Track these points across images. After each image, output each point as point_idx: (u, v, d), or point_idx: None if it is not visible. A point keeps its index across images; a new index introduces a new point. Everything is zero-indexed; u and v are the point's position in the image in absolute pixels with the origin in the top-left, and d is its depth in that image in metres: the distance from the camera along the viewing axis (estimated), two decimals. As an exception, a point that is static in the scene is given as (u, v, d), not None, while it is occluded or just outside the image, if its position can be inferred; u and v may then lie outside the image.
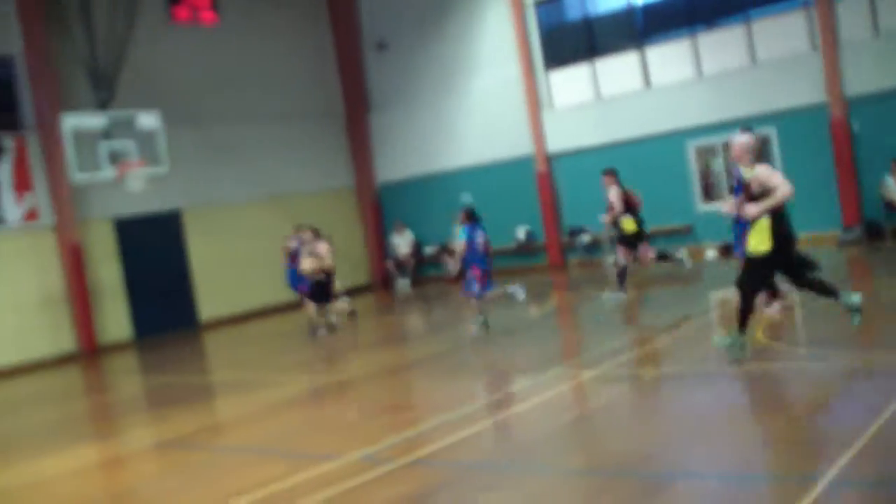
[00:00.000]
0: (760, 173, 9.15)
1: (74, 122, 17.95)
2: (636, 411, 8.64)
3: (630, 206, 15.72)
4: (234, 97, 24.22)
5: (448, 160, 25.15)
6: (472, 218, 14.32)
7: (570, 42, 23.30)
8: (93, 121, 18.34)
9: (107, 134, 18.43)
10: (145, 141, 18.75)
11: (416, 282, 25.04)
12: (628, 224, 15.67)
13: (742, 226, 10.03)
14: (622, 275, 15.57)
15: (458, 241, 14.41)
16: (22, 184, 20.21)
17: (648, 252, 16.30)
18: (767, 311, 11.45)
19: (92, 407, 14.40)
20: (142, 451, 9.96)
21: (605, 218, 15.97)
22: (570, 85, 23.10)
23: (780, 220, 9.07)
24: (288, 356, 15.60)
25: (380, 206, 26.92)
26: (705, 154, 21.04)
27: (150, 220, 22.11)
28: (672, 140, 21.23)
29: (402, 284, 24.89)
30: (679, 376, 9.46)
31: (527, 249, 23.82)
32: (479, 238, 14.20)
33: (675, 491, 6.20)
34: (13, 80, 20.62)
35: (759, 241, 9.09)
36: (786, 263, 9.35)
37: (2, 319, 19.51)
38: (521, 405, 9.02)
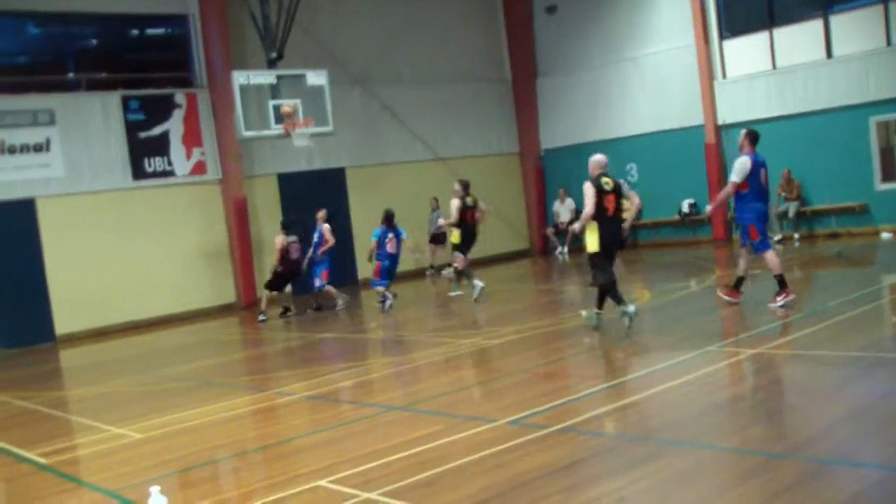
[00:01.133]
0: None
1: (244, 79, 18.46)
2: (800, 393, 8.29)
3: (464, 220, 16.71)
4: (402, 59, 24.45)
5: (614, 128, 24.76)
6: (388, 220, 17.09)
7: (749, 9, 22.49)
8: (262, 78, 18.83)
9: (275, 92, 18.90)
10: (312, 99, 19.14)
11: (574, 250, 24.79)
12: (455, 237, 16.91)
13: None
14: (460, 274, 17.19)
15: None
16: (192, 139, 20.96)
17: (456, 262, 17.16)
18: None
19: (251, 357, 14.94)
20: (294, 402, 10.19)
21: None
22: (745, 54, 22.31)
23: None
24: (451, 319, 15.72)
25: (542, 173, 26.73)
26: (888, 130, 20.01)
27: (313, 176, 22.57)
28: (852, 114, 20.25)
29: (560, 252, 24.71)
30: (848, 361, 9.03)
31: (690, 222, 23.27)
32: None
33: (834, 476, 5.93)
34: (187, 38, 21.36)
35: None
36: None
37: (167, 269, 20.37)
38: (675, 380, 8.80)
